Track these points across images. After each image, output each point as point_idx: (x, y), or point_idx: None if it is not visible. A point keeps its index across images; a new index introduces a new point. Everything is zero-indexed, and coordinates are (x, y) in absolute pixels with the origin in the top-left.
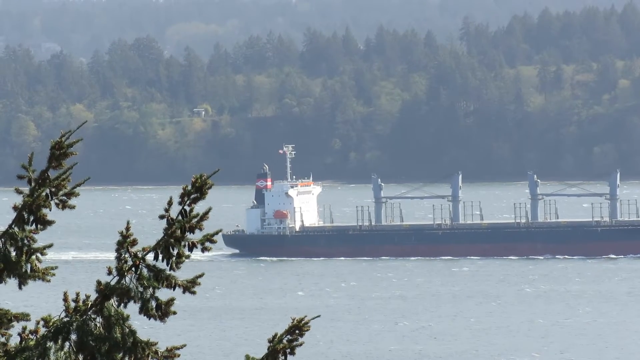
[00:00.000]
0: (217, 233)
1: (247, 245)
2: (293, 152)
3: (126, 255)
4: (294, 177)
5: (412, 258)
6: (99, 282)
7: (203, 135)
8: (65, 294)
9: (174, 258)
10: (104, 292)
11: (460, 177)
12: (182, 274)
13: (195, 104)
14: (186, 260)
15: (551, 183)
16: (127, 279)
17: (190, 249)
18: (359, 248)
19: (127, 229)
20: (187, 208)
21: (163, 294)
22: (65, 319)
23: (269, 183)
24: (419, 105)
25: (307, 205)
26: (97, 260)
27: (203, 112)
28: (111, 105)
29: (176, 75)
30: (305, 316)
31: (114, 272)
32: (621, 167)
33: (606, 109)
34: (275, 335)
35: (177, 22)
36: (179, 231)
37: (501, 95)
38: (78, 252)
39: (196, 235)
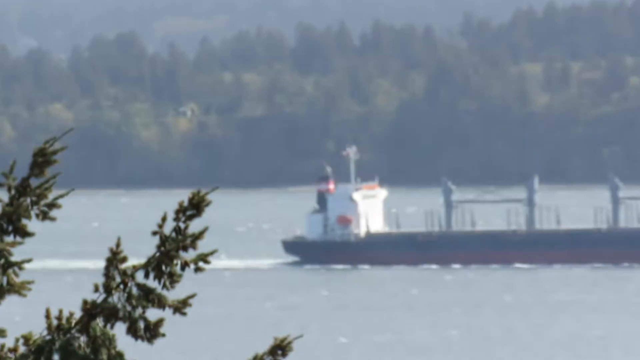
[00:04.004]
0: (212, 253)
1: (309, 253)
2: (358, 153)
3: (115, 273)
4: (358, 179)
5: (486, 265)
6: (84, 301)
7: (189, 136)
8: (47, 310)
9: (166, 277)
10: (90, 311)
11: (536, 179)
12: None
13: (181, 103)
14: (178, 280)
15: (556, 187)
16: (115, 297)
17: (183, 268)
18: (428, 255)
19: (118, 244)
20: (181, 225)
21: (151, 314)
22: (48, 337)
23: (331, 186)
24: (418, 104)
25: (372, 209)
26: (78, 270)
27: (189, 112)
28: (92, 105)
29: (160, 73)
30: (288, 335)
31: (101, 289)
32: (631, 170)
33: (615, 108)
34: (256, 356)
35: (163, 17)
36: (173, 249)
37: (504, 93)
38: (55, 261)
39: (190, 254)
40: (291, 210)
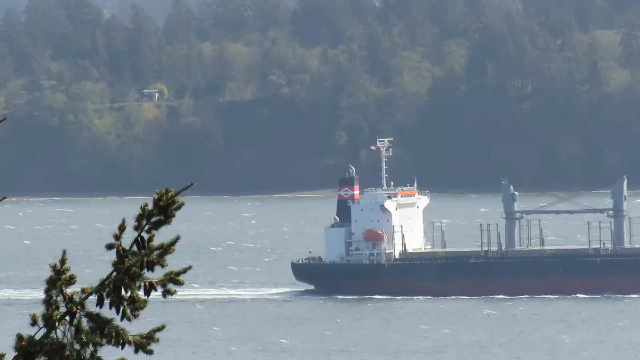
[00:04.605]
0: (185, 271)
1: (326, 279)
2: (390, 149)
3: (59, 299)
4: (392, 183)
5: (557, 296)
6: (19, 337)
7: (157, 126)
8: None
9: (126, 303)
10: (27, 350)
11: (625, 182)
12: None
13: (146, 84)
14: (142, 307)
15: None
16: (59, 331)
17: (148, 292)
18: (484, 282)
19: (63, 261)
20: (145, 235)
21: (108, 353)
22: None
23: (356, 192)
24: (457, 84)
25: (410, 222)
26: (6, 301)
27: (157, 95)
28: (29, 85)
29: (120, 44)
30: None
31: (41, 321)
32: None
33: None
34: None
35: None
36: (135, 267)
37: (570, 70)
38: None
39: (156, 274)
40: (290, 223)
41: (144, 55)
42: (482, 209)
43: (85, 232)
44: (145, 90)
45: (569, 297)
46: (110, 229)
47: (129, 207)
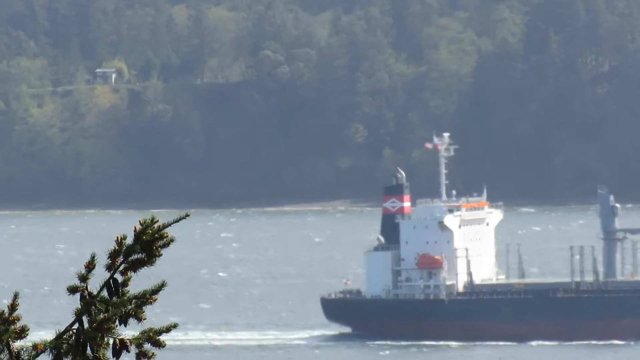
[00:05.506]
0: (169, 329)
1: (367, 319)
2: (452, 147)
3: (2, 356)
4: (454, 192)
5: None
6: None
7: (114, 117)
8: None
9: None
10: None
11: None
12: None
13: (100, 61)
14: None
15: None
16: None
17: (118, 353)
18: (575, 324)
19: (13, 307)
20: (119, 277)
21: None
22: None
23: (407, 204)
24: (510, 62)
25: (478, 244)
26: None
27: (114, 75)
28: None
29: (65, 8)
30: None
31: None
32: None
33: None
34: None
35: None
36: (105, 320)
37: None
38: None
39: (131, 330)
40: (283, 246)
41: (96, 23)
42: (535, 227)
43: (15, 257)
44: (98, 70)
45: None
46: (49, 254)
47: (77, 225)
